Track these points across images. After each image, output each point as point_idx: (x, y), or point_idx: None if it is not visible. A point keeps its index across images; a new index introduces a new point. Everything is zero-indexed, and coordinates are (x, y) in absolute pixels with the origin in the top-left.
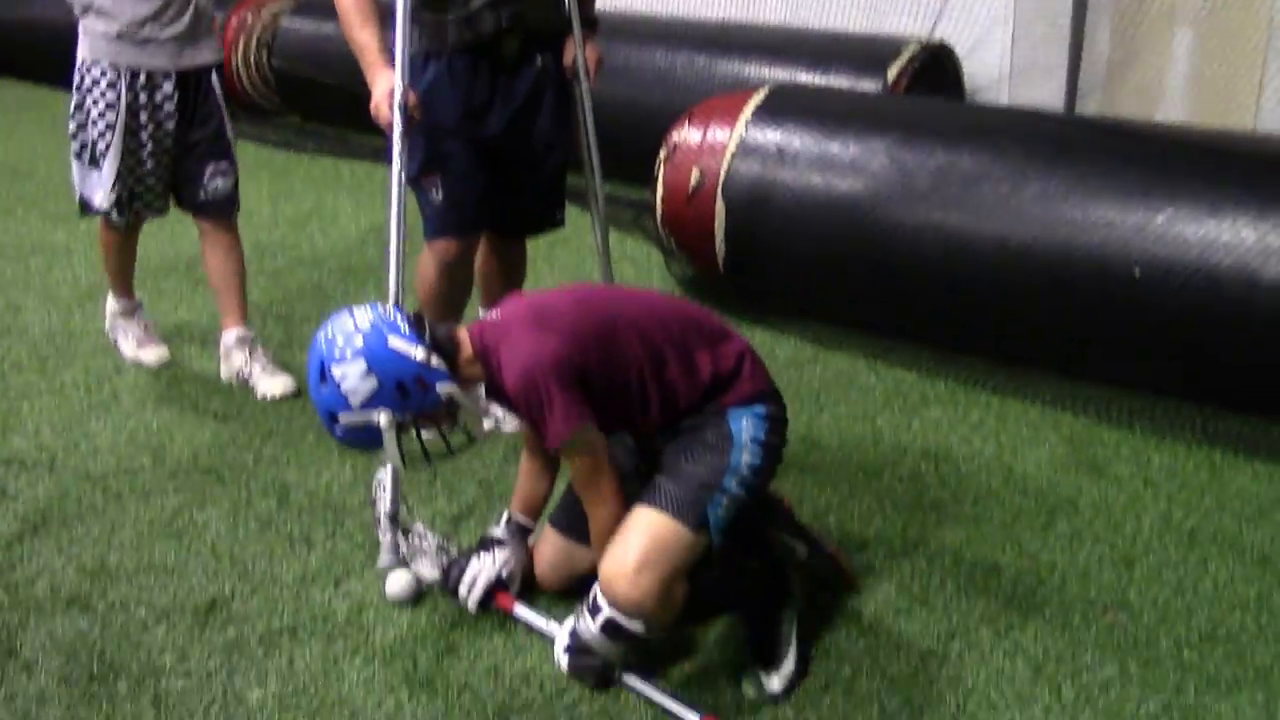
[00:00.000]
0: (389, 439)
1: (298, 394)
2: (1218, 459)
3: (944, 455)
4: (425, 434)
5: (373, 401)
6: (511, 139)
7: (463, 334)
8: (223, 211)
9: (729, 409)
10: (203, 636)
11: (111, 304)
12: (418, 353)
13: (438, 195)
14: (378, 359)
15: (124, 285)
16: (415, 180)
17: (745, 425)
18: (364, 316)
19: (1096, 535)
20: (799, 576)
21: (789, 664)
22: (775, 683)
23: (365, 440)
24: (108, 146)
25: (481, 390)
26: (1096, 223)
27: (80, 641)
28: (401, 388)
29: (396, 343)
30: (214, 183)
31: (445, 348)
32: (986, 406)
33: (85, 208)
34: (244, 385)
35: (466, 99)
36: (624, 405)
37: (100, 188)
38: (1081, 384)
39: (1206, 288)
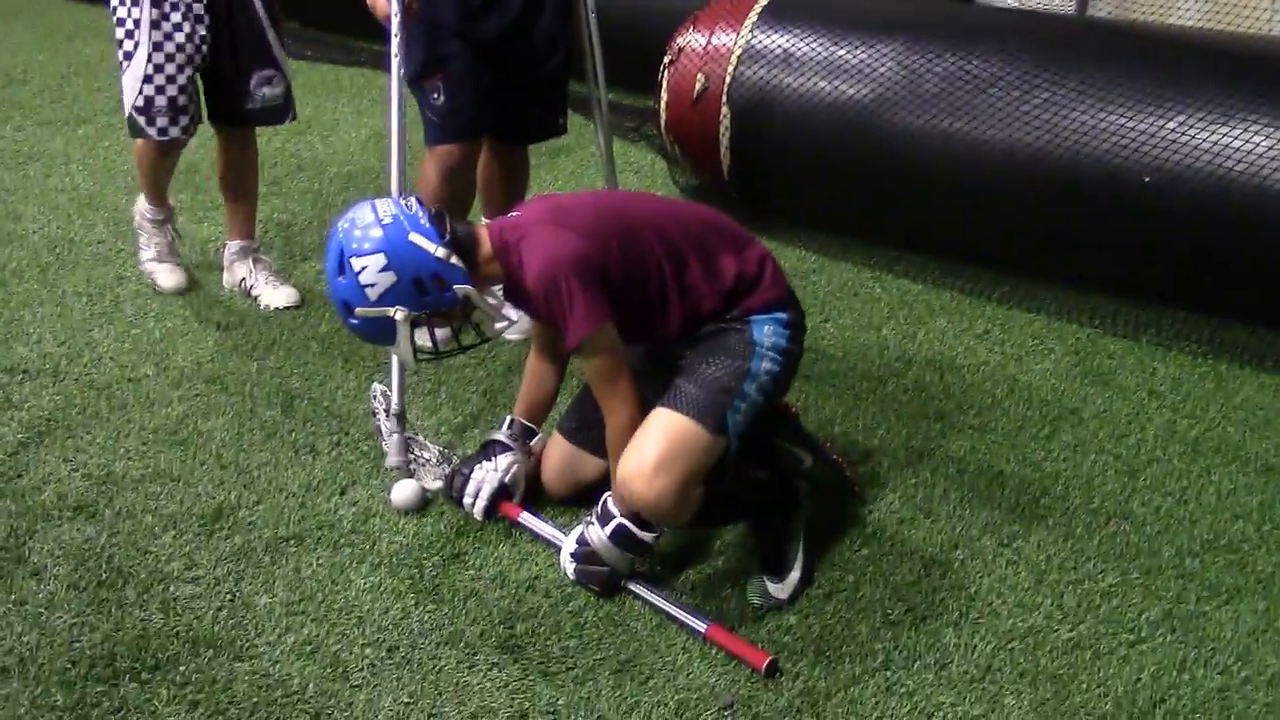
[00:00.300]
0: (403, 334)
1: (300, 305)
2: (1223, 370)
3: (949, 365)
4: (438, 331)
5: (389, 296)
6: (513, 39)
7: (482, 232)
8: (276, 119)
9: (751, 315)
10: (210, 544)
11: (142, 204)
12: (438, 250)
13: (439, 98)
14: (397, 253)
15: (157, 194)
16: (415, 82)
17: (767, 332)
18: (386, 209)
19: (1100, 445)
20: (804, 486)
21: (795, 572)
22: (782, 591)
23: (379, 333)
24: (135, 45)
25: (498, 290)
26: (1107, 129)
27: (88, 548)
28: (419, 284)
29: (417, 238)
30: (262, 91)
31: (465, 245)
32: (992, 317)
33: (131, 127)
34: (246, 295)
35: (465, 1)
36: (644, 309)
37: (129, 90)
38: (1087, 295)
39: (1217, 195)
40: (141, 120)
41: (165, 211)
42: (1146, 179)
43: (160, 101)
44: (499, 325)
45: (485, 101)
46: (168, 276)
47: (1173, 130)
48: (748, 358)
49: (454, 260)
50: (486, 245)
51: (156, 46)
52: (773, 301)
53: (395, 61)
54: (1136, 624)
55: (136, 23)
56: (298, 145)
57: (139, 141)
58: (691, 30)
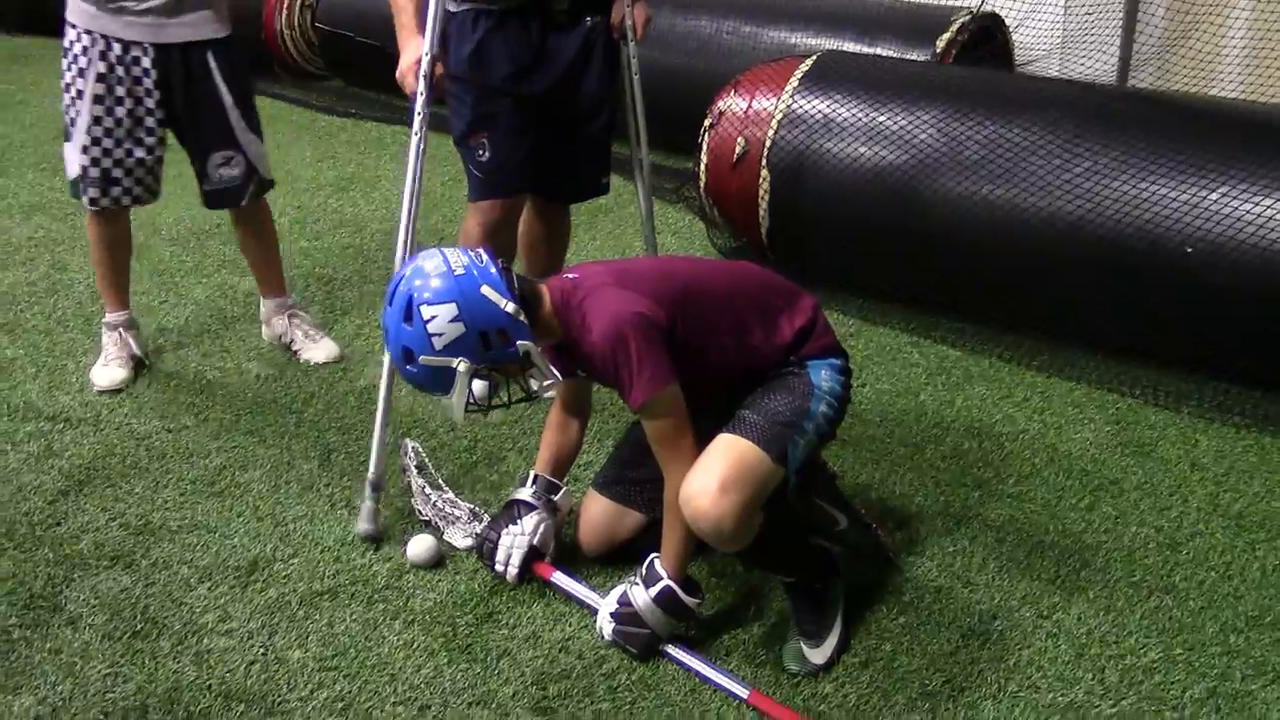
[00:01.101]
0: (460, 385)
1: (340, 359)
2: (1267, 442)
3: (987, 432)
4: (476, 384)
5: (454, 346)
6: (558, 98)
7: (543, 289)
8: (232, 203)
9: (808, 361)
10: (244, 596)
11: (108, 315)
12: (508, 305)
13: (484, 154)
14: (469, 305)
15: (114, 292)
16: (462, 140)
17: (824, 376)
18: (458, 259)
19: (1142, 517)
20: (838, 550)
21: (833, 638)
22: (819, 656)
23: (435, 383)
24: (77, 114)
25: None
26: (1149, 199)
27: (124, 598)
28: (485, 337)
29: (489, 291)
30: (219, 172)
31: (530, 301)
32: (1031, 385)
33: (71, 189)
34: (286, 350)
35: (515, 57)
36: (705, 369)
37: (69, 160)
38: (1129, 364)
39: (1260, 266)
40: (78, 188)
41: (122, 318)
42: (1189, 250)
43: (94, 173)
44: (548, 383)
45: (529, 159)
46: (103, 373)
47: (1215, 201)
48: (808, 397)
49: (522, 317)
50: (548, 303)
51: (96, 120)
52: (828, 347)
53: (416, 136)
54: (1180, 701)
55: (80, 93)
56: (340, 201)
57: (88, 222)
58: (732, 94)
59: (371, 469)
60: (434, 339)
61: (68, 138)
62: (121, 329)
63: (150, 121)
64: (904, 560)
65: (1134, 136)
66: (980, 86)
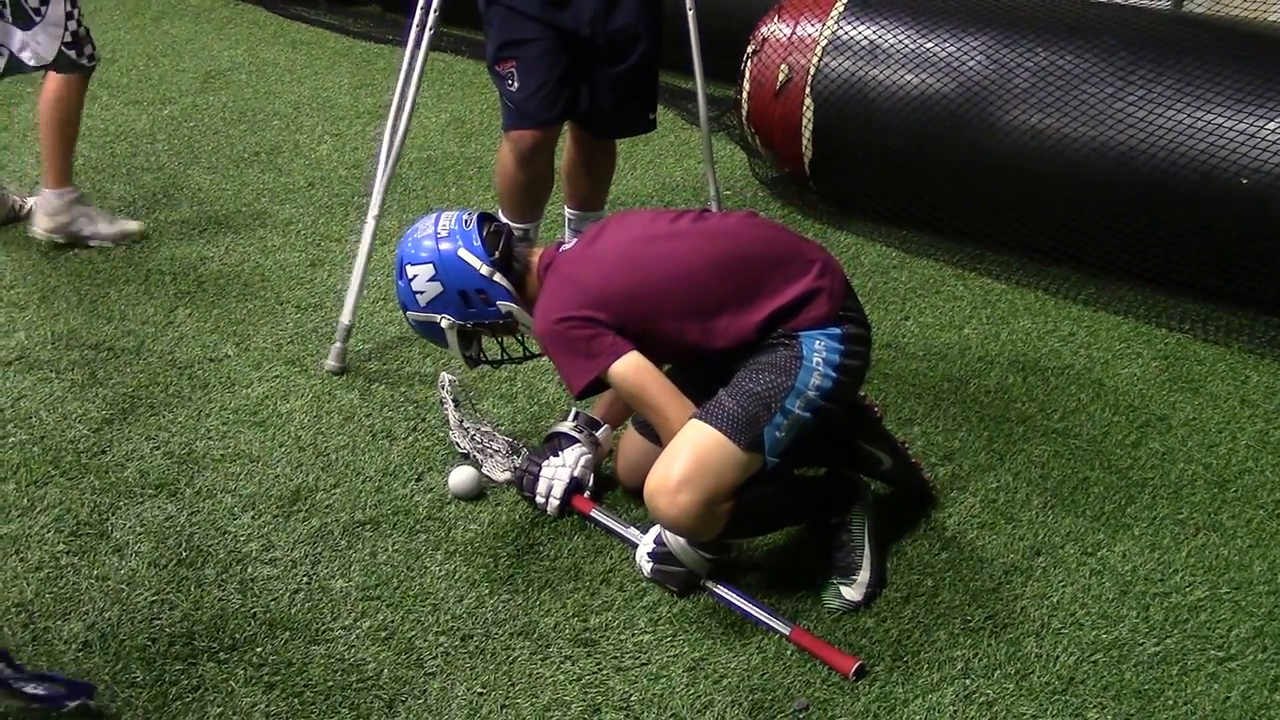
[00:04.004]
0: (451, 339)
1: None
2: None
3: (1032, 367)
4: (490, 342)
5: (436, 304)
6: (595, 29)
7: (535, 256)
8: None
9: (800, 332)
10: (287, 526)
11: (54, 201)
12: (483, 267)
13: (512, 84)
14: (445, 266)
15: (66, 167)
16: (492, 66)
17: (817, 347)
18: (446, 223)
19: (1189, 454)
20: (869, 486)
21: (864, 573)
22: (853, 592)
23: (432, 335)
24: None
25: None
26: (1203, 128)
27: (169, 526)
28: (464, 296)
29: (465, 254)
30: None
31: (515, 267)
32: (1078, 319)
33: (60, 62)
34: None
35: None
36: (666, 350)
37: (47, 35)
38: (1178, 298)
39: None
40: (72, 53)
41: (73, 189)
42: (1244, 181)
43: (82, 32)
44: None
45: (560, 89)
46: (113, 225)
47: (1273, 131)
48: (793, 372)
49: (498, 278)
50: (534, 271)
51: None
52: (823, 318)
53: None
54: (1226, 640)
55: None
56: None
57: (62, 87)
58: (776, 20)
59: (346, 314)
60: (417, 296)
61: (38, 18)
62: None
63: None
64: (946, 496)
65: (1189, 64)
66: (1031, 12)
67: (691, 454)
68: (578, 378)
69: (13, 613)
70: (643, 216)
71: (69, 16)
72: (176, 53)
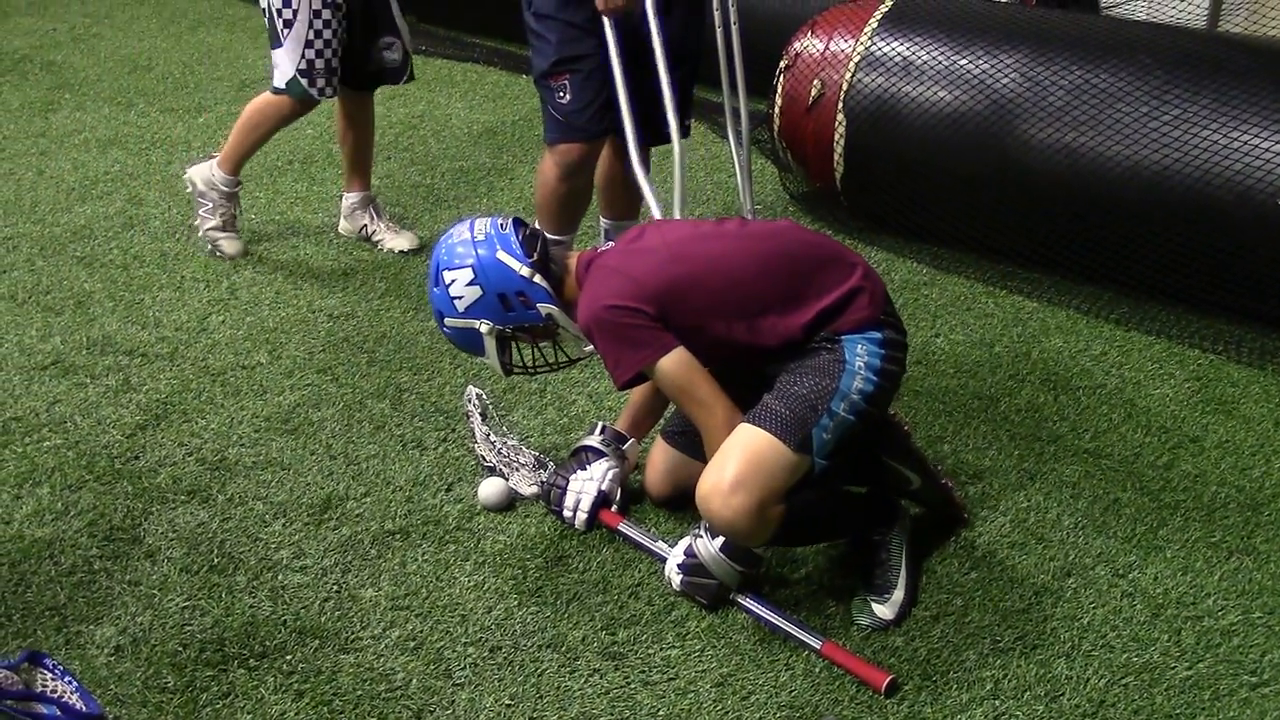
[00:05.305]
0: (489, 346)
1: (419, 249)
2: None
3: (1063, 386)
4: (526, 348)
5: (475, 309)
6: (643, 41)
7: (573, 259)
8: (392, 80)
9: (842, 335)
10: (318, 534)
11: (215, 173)
12: (522, 269)
13: (564, 96)
14: (484, 269)
15: (242, 161)
16: (543, 79)
17: (860, 351)
18: (482, 227)
19: (1222, 476)
20: (905, 507)
21: (899, 592)
22: (886, 611)
23: (468, 344)
24: (295, 13)
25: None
26: (1239, 148)
27: (201, 532)
28: (504, 299)
29: (504, 256)
30: (383, 55)
31: (553, 269)
32: (1110, 338)
33: (291, 88)
34: (366, 241)
35: None
36: (710, 348)
37: (287, 57)
38: (1211, 319)
39: None
40: (304, 82)
41: (238, 183)
42: (1278, 201)
43: (319, 65)
44: (587, 348)
45: (608, 104)
46: (232, 244)
47: None
48: (836, 375)
49: (538, 279)
50: (572, 274)
51: (315, 14)
52: (865, 322)
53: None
54: (1259, 665)
55: None
56: (411, 139)
57: (276, 101)
58: (809, 35)
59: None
60: (455, 302)
61: (283, 37)
62: (238, 196)
63: (340, 14)
64: (977, 515)
65: (1224, 83)
66: (1066, 30)
67: (744, 456)
68: (624, 369)
69: (46, 616)
70: (683, 222)
71: (308, 44)
72: (212, 61)
